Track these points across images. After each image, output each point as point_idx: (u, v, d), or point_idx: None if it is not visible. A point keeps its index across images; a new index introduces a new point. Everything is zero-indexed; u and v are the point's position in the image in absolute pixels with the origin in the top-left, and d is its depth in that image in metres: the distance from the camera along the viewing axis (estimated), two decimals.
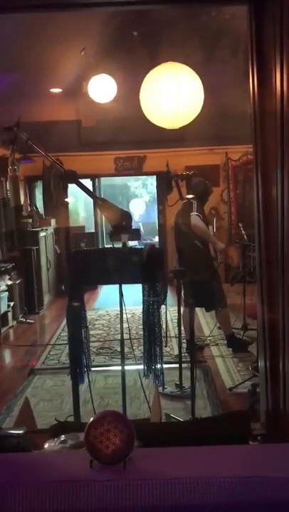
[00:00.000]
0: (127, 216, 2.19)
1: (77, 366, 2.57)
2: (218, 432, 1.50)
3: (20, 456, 1.34)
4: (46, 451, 1.50)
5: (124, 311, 2.83)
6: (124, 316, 2.80)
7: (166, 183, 3.80)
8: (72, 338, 2.60)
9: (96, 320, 6.30)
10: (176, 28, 3.59)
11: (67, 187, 2.31)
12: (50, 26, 3.39)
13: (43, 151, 2.34)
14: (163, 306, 2.82)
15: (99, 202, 2.22)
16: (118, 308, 7.20)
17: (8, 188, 7.00)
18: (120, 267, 2.58)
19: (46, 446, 1.58)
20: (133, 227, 2.47)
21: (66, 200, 2.28)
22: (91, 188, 8.13)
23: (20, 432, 1.59)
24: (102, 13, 3.18)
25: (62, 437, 1.58)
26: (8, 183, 2.58)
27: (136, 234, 2.61)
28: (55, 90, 4.58)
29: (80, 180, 2.28)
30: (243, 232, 5.26)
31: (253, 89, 1.62)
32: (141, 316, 5.31)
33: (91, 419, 1.17)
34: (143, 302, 2.80)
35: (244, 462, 1.24)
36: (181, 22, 3.57)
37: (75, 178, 2.26)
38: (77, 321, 2.64)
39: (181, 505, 1.08)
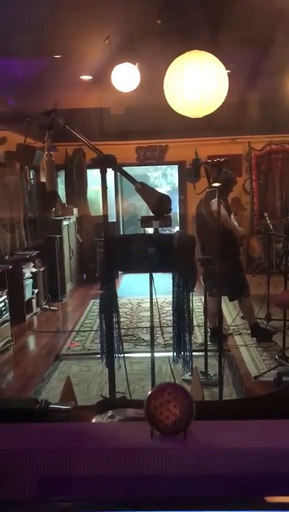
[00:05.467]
0: (166, 199, 2.20)
1: (110, 350, 2.60)
2: (265, 410, 1.52)
3: (81, 425, 1.38)
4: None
5: (154, 299, 2.87)
6: (149, 304, 2.84)
7: (194, 170, 3.79)
8: (105, 321, 2.63)
9: (119, 308, 6.35)
10: (202, 14, 3.55)
11: (106, 172, 2.32)
12: (80, 11, 3.37)
13: (82, 137, 2.35)
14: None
15: (138, 186, 2.23)
16: (140, 297, 7.22)
17: (32, 177, 7.08)
18: (153, 254, 2.59)
19: (94, 421, 1.61)
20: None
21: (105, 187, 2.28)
22: (113, 177, 8.16)
23: (69, 407, 1.63)
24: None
25: (110, 413, 1.60)
26: (45, 168, 2.62)
27: (168, 220, 2.63)
28: (86, 77, 4.59)
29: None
30: (268, 221, 5.21)
31: None
32: (163, 304, 5.34)
33: (149, 391, 1.20)
34: (173, 289, 2.83)
35: None
36: (208, 6, 3.51)
37: (114, 163, 2.28)
38: (110, 305, 2.68)
39: (240, 474, 1.11)
